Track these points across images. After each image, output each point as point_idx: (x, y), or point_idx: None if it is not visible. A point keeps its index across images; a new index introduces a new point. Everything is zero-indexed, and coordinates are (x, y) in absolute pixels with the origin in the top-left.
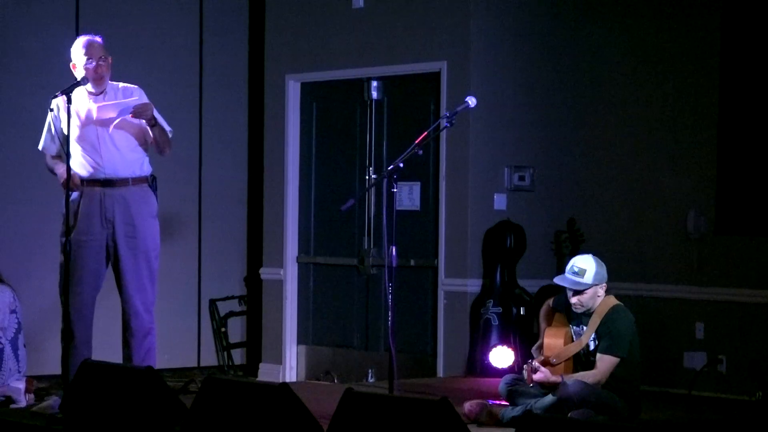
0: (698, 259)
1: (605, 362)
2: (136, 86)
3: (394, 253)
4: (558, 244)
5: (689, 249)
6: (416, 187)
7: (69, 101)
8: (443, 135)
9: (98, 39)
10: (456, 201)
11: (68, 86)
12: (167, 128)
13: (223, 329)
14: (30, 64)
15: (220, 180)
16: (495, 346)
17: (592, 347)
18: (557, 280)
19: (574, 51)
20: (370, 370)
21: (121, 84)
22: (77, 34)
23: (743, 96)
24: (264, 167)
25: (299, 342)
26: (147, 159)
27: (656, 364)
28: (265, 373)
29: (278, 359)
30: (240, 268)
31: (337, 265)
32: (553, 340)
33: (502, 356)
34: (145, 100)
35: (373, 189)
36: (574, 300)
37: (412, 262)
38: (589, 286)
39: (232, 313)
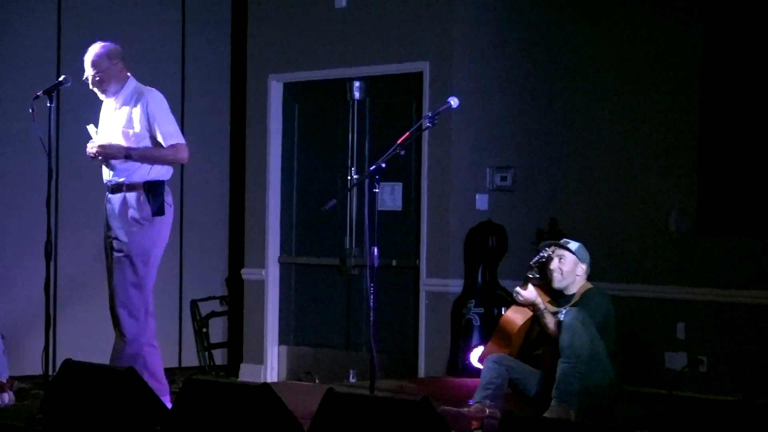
0: (680, 259)
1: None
2: (150, 92)
3: (375, 253)
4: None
5: (671, 249)
6: (398, 187)
7: (51, 101)
8: (425, 135)
9: (89, 53)
10: (438, 201)
11: (50, 86)
12: (151, 147)
13: (204, 330)
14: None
15: (202, 180)
16: (476, 346)
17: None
18: (543, 244)
19: (557, 51)
20: (351, 371)
21: (138, 88)
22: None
23: (725, 95)
24: (246, 168)
25: (281, 342)
26: (147, 167)
27: (637, 364)
28: (247, 373)
29: (259, 359)
30: (221, 268)
31: (319, 265)
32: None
33: None
34: (154, 106)
35: (355, 189)
36: (554, 265)
37: (394, 263)
38: (573, 254)
39: (213, 314)
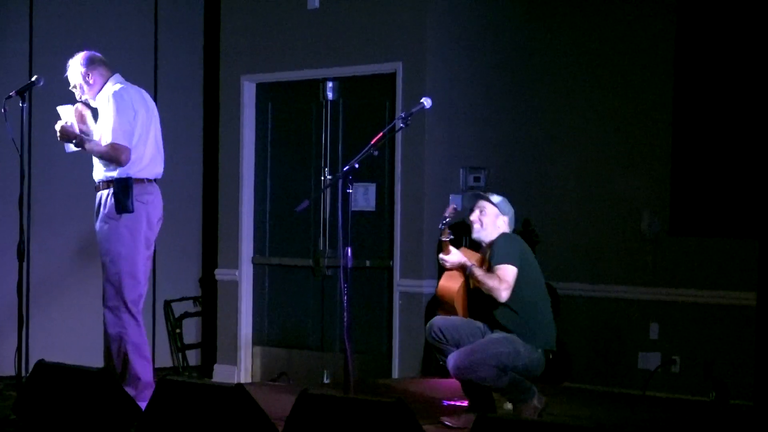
0: (652, 259)
1: (500, 271)
2: (116, 89)
3: (349, 253)
4: None
5: (643, 249)
6: (372, 187)
7: (23, 101)
8: (399, 136)
9: (68, 65)
10: (411, 201)
11: (22, 86)
12: (100, 144)
13: (177, 330)
14: None
15: (174, 181)
16: None
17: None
18: (465, 195)
19: (530, 52)
20: (325, 371)
21: (115, 87)
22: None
23: (697, 94)
24: (219, 168)
25: (254, 343)
26: (132, 165)
27: (611, 364)
28: (220, 374)
29: (233, 360)
30: (195, 269)
31: (293, 266)
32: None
33: None
34: (113, 103)
35: (328, 189)
36: (474, 216)
37: (368, 263)
38: (495, 206)
39: (187, 314)
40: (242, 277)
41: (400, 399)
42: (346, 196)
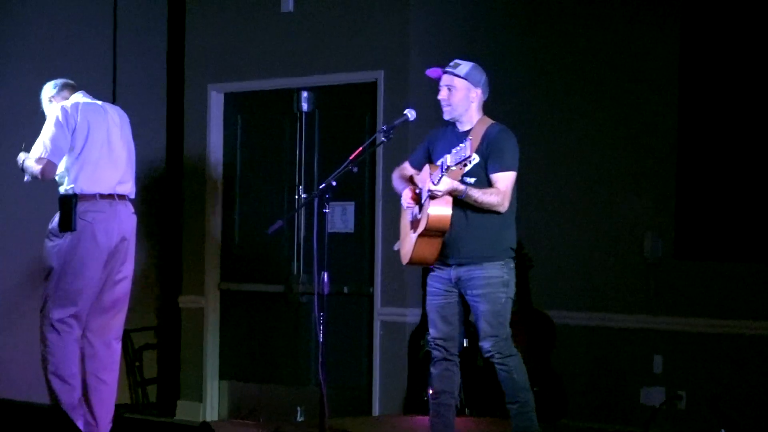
0: (656, 285)
1: (504, 180)
2: (56, 106)
3: (325, 279)
4: None
5: (646, 275)
6: (350, 207)
7: None
8: (380, 150)
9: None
10: (394, 223)
11: None
12: (22, 160)
13: (137, 363)
14: None
15: (136, 199)
16: None
17: (472, 181)
18: (429, 71)
19: (522, 62)
20: (299, 408)
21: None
22: None
23: (703, 111)
24: (183, 185)
25: (221, 377)
26: (64, 178)
27: (611, 400)
28: (184, 411)
29: (198, 396)
30: (157, 296)
31: (264, 292)
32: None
33: None
34: (47, 117)
35: (303, 209)
36: (442, 96)
37: (346, 290)
38: (463, 79)
39: (147, 346)
40: (208, 304)
41: None
42: (323, 217)
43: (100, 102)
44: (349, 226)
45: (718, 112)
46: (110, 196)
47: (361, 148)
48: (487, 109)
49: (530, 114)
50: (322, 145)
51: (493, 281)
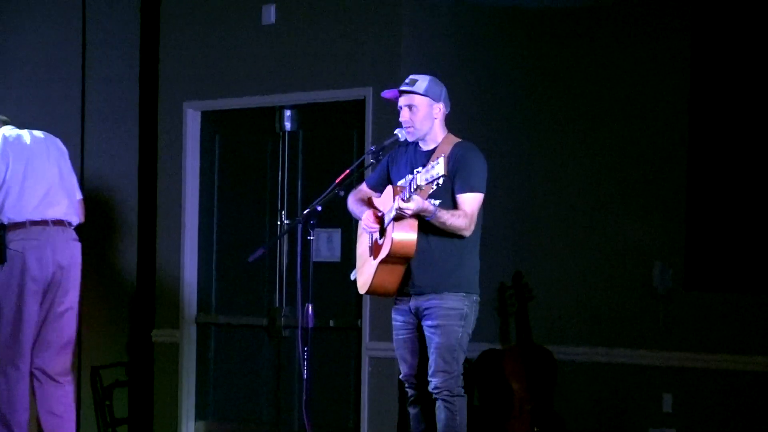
0: (665, 318)
1: (471, 202)
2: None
3: (310, 311)
4: (502, 301)
5: (655, 307)
6: (336, 234)
7: None
8: (369, 173)
9: None
10: None
11: None
12: None
13: (107, 402)
14: None
15: (106, 225)
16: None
17: (437, 203)
18: (385, 92)
19: (518, 81)
20: None
21: None
22: None
23: (715, 132)
24: (157, 211)
25: (198, 417)
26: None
27: None
28: None
29: None
30: (128, 329)
31: (244, 325)
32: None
33: None
34: None
35: (286, 236)
36: (404, 117)
37: (332, 323)
38: (423, 96)
39: (118, 383)
40: (183, 338)
41: None
42: (307, 244)
43: (25, 131)
44: (335, 255)
45: (730, 135)
46: (43, 222)
47: (348, 171)
48: (482, 129)
49: (524, 133)
50: (307, 167)
51: (452, 313)
